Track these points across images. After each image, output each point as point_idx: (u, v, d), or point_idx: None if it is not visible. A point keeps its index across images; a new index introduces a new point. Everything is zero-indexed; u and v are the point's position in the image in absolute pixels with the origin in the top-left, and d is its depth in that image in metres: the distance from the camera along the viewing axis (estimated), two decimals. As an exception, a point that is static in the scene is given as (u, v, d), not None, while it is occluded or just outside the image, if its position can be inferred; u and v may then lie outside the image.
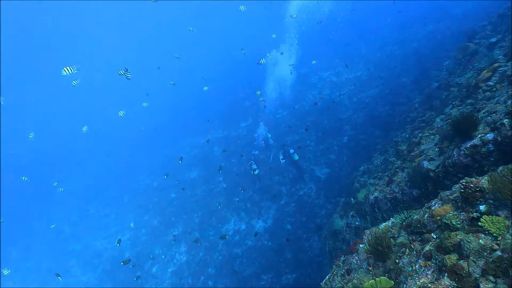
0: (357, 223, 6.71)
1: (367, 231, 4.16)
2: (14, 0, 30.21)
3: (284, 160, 13.98)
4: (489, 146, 3.68)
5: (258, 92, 13.68)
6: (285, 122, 18.88)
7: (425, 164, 4.75)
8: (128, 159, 23.90)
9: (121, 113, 10.73)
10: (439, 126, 6.20)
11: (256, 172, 14.04)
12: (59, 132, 37.75)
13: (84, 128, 15.19)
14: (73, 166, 27.16)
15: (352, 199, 7.83)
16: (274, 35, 16.92)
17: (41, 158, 30.95)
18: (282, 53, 17.52)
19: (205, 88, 16.55)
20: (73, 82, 9.58)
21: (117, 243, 8.51)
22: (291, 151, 13.50)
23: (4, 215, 21.85)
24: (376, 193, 6.00)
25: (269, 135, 16.41)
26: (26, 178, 8.12)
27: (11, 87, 39.09)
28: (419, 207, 4.84)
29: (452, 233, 2.49)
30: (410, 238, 3.14)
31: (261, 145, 16.53)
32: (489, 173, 2.71)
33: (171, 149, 22.57)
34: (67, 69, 7.19)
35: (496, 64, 6.05)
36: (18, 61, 37.86)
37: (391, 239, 3.38)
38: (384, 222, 5.41)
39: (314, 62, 18.11)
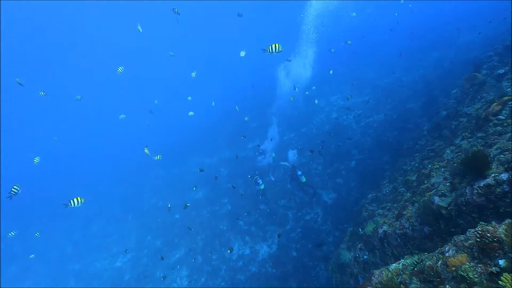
0: (365, 257, 6.46)
1: (376, 272, 3.98)
2: (14, 0, 30.67)
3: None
4: (504, 186, 3.56)
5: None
6: (292, 144, 18.85)
7: (436, 200, 4.61)
8: (133, 177, 23.96)
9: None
10: (450, 158, 6.09)
11: (262, 187, 13.92)
12: (63, 149, 38.17)
13: (122, 116, 15.23)
14: (77, 183, 27.29)
15: (360, 230, 7.60)
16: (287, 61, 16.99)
17: (45, 176, 31.19)
18: (295, 88, 17.62)
19: (191, 113, 16.60)
20: (78, 96, 9.89)
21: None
22: (299, 172, 13.36)
23: (5, 232, 21.85)
24: (385, 227, 5.80)
25: (273, 154, 16.41)
26: (17, 187, 7.96)
27: (11, 89, 39.02)
28: (431, 245, 4.67)
29: (471, 288, 2.36)
30: (424, 287, 2.98)
31: (265, 159, 16.60)
32: (506, 222, 2.59)
33: (178, 168, 22.61)
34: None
35: (506, 98, 5.99)
36: (18, 63, 37.95)
37: (402, 285, 3.22)
38: (394, 259, 5.22)
39: (314, 87, 18.29)
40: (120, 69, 9.33)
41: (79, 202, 6.37)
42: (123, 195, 21.86)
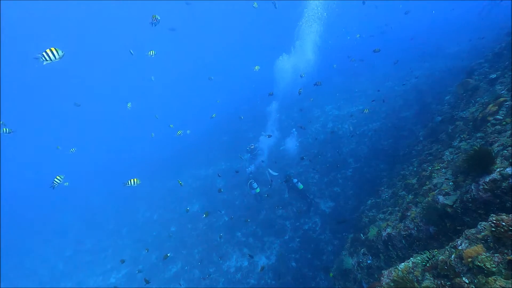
0: (369, 262, 6.35)
1: (385, 272, 3.89)
2: (14, 0, 30.37)
3: (255, 191, 13.68)
4: (510, 180, 3.55)
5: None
6: (288, 154, 18.82)
7: (441, 199, 4.58)
8: (128, 190, 23.52)
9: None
10: (450, 159, 6.11)
11: (258, 190, 13.70)
12: (56, 161, 37.43)
13: (129, 105, 14.84)
14: (70, 198, 26.69)
15: (362, 235, 7.50)
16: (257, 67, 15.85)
17: (38, 189, 30.41)
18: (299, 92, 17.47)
19: (188, 131, 16.23)
20: (76, 104, 9.80)
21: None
22: (295, 180, 13.22)
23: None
24: (389, 229, 5.73)
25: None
26: (60, 178, 8.01)
27: (10, 90, 38.51)
28: (437, 245, 4.61)
29: (489, 278, 2.29)
30: (438, 282, 2.90)
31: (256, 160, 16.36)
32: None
33: (173, 181, 22.30)
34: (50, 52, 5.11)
35: (501, 99, 6.10)
36: (18, 63, 37.02)
37: (415, 283, 3.13)
38: (400, 261, 5.12)
39: (312, 99, 18.33)
40: (151, 52, 9.19)
41: (135, 183, 6.90)
42: (117, 209, 21.39)
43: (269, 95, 15.08)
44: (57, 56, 5.10)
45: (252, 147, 16.87)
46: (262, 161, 15.23)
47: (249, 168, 15.84)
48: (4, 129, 8.68)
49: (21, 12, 32.05)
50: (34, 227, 22.99)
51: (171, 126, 15.14)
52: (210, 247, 14.67)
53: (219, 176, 12.72)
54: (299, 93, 12.84)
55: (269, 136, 15.41)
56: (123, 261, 9.83)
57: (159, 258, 15.59)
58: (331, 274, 8.27)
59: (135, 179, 6.87)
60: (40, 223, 23.66)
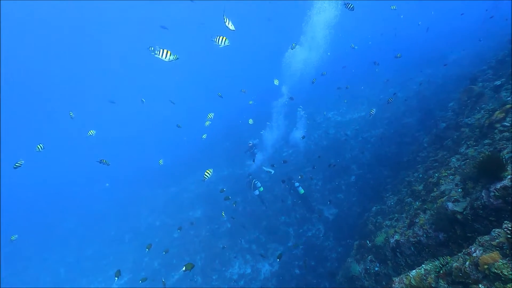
0: (376, 269, 6.30)
1: (396, 279, 3.86)
2: (14, 0, 30.50)
3: (259, 190, 13.61)
4: (521, 188, 3.55)
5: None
6: (290, 161, 18.80)
7: (450, 205, 4.56)
8: (130, 196, 23.50)
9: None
10: (457, 166, 6.11)
11: (261, 189, 13.63)
12: (58, 168, 37.37)
13: (143, 100, 14.94)
14: (72, 204, 26.66)
15: (368, 242, 7.45)
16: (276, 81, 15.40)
17: (39, 196, 30.42)
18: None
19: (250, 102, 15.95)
20: (71, 113, 9.79)
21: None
22: (296, 184, 13.15)
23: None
24: (397, 236, 5.70)
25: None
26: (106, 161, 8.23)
27: (10, 90, 38.49)
28: (447, 252, 4.58)
29: (508, 285, 2.28)
30: (454, 289, 2.89)
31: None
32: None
33: (175, 187, 22.28)
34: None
35: (508, 105, 6.11)
36: (19, 63, 37.41)
37: (429, 289, 3.12)
38: (409, 268, 5.09)
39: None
40: (174, 57, 9.28)
41: (209, 174, 6.98)
42: (119, 215, 21.34)
43: (290, 99, 15.11)
44: (166, 58, 5.36)
45: (251, 144, 16.72)
46: (284, 161, 15.18)
47: (250, 163, 15.78)
48: (38, 146, 8.90)
49: (21, 12, 32.25)
50: (36, 234, 22.91)
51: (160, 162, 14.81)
52: (213, 253, 14.58)
53: (223, 191, 12.56)
54: (313, 82, 12.86)
55: (303, 137, 15.36)
56: (150, 246, 9.72)
57: (161, 265, 15.49)
58: (337, 279, 8.20)
59: (209, 170, 6.99)
60: (42, 229, 23.59)
